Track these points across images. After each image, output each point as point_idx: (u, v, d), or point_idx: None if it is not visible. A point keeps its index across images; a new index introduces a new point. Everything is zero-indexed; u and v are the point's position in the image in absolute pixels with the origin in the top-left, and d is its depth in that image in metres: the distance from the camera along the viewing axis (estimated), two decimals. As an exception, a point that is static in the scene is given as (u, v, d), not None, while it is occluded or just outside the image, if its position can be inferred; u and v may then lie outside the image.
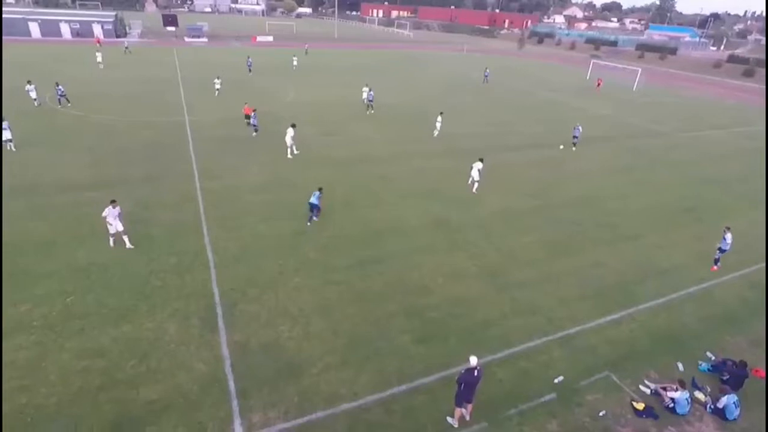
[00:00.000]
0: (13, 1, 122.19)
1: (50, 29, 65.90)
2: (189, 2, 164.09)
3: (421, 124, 30.74)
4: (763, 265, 15.94)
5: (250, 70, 46.13)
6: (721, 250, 15.17)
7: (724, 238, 14.96)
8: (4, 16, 65.21)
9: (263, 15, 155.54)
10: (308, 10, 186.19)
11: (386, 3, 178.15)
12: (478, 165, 19.69)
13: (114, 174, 19.28)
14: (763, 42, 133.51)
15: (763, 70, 76.37)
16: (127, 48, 55.52)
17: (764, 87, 68.80)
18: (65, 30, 66.83)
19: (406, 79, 50.31)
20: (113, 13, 78.30)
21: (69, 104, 28.88)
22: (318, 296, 12.36)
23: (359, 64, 58.34)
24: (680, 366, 11.00)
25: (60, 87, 28.49)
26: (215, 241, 14.58)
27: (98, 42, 57.32)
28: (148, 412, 8.67)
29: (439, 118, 27.59)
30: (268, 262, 13.68)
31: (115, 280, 12.32)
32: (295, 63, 51.40)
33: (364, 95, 33.93)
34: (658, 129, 35.61)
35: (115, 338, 10.33)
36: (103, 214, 13.34)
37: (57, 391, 8.93)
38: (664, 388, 9.91)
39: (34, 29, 65.01)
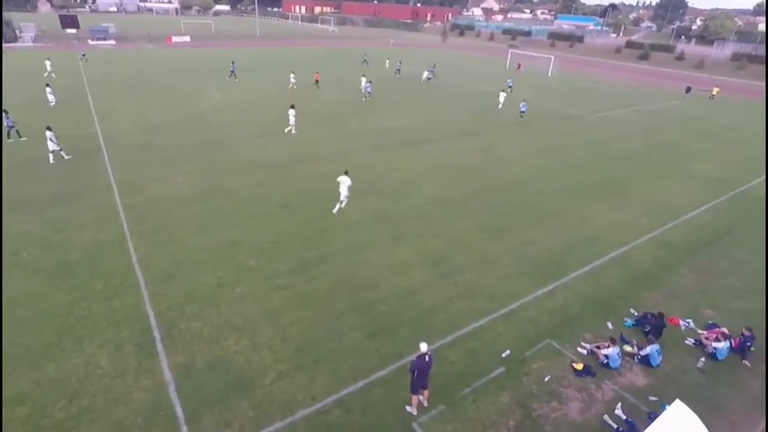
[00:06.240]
0: None
1: None
2: (90, 1, 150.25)
3: (355, 120, 30.74)
4: (671, 225, 17.86)
5: (233, 74, 43.13)
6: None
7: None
8: None
9: (177, 14, 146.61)
10: (226, 8, 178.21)
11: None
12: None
13: (18, 195, 17.23)
14: (654, 29, 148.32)
15: (657, 54, 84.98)
16: (83, 56, 50.36)
17: (659, 68, 76.62)
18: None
19: (338, 75, 49.88)
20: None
21: (22, 138, 22.99)
22: (263, 304, 11.97)
23: (289, 62, 56.93)
24: (609, 325, 12.03)
25: (8, 117, 22.82)
26: (144, 259, 13.59)
27: None
28: (85, 453, 7.90)
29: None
30: (205, 276, 13.01)
31: (29, 315, 11.05)
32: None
33: (364, 84, 38.62)
34: (573, 111, 38.40)
35: (36, 381, 9.27)
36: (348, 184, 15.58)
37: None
38: (598, 347, 10.81)
39: None
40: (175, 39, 77.46)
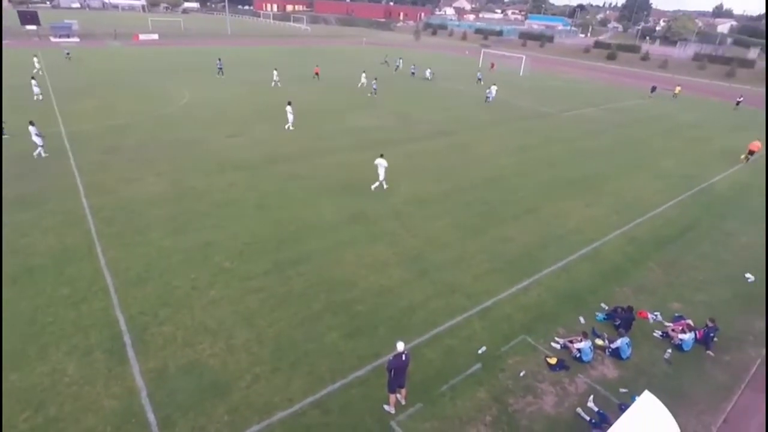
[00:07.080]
0: None
1: None
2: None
3: (329, 120, 30.55)
4: (639, 220, 18.48)
5: (221, 71, 44.69)
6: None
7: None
8: None
9: (144, 11, 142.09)
10: (195, 5, 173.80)
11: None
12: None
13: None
14: (620, 29, 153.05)
15: (624, 54, 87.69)
16: (68, 54, 49.05)
17: (625, 68, 79.11)
18: None
19: (324, 73, 49.45)
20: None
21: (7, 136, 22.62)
22: (238, 307, 11.77)
23: (263, 61, 56.06)
24: (582, 319, 12.34)
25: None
26: (113, 263, 13.16)
27: None
28: (51, 465, 7.61)
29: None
30: (178, 278, 12.70)
31: (-11, 323, 10.58)
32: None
33: (363, 80, 41.91)
34: (545, 110, 39.22)
35: (-1, 391, 8.91)
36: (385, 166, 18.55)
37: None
38: (571, 341, 11.07)
39: None
40: (142, 36, 75.18)
